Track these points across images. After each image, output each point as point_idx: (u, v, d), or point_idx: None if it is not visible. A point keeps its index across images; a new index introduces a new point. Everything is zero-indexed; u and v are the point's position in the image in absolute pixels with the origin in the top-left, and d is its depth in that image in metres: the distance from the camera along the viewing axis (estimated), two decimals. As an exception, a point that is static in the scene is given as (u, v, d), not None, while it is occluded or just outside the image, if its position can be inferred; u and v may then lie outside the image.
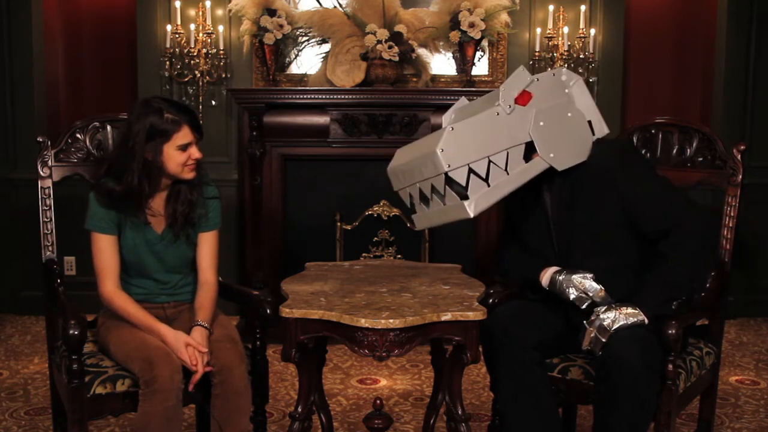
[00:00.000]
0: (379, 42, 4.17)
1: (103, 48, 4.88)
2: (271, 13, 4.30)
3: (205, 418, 2.48)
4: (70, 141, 2.66)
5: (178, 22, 4.43)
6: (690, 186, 2.64)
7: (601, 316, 2.19)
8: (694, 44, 4.94)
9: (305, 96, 4.24)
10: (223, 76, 4.50)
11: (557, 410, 2.39)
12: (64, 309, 2.32)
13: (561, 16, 4.50)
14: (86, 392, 2.22)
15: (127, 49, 4.77)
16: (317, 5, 4.48)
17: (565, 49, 4.44)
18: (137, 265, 2.44)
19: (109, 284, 2.38)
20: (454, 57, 4.52)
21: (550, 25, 4.51)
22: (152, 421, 2.17)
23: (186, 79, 4.50)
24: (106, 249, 2.38)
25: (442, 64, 4.52)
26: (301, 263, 2.75)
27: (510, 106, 2.23)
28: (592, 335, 2.19)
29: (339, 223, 4.33)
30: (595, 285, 2.28)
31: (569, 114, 2.34)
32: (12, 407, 3.26)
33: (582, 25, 4.48)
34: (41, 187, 2.64)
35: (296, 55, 4.53)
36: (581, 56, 4.49)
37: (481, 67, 4.53)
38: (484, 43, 4.45)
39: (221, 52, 4.45)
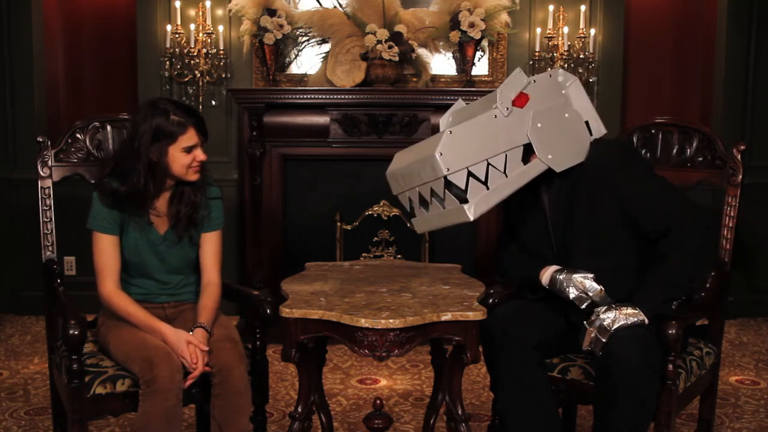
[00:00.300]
0: (379, 42, 4.17)
1: (103, 48, 4.88)
2: (271, 13, 4.30)
3: (205, 418, 2.47)
4: (70, 141, 2.66)
5: (178, 22, 4.43)
6: (690, 186, 2.64)
7: (601, 316, 2.19)
8: (694, 44, 4.94)
9: (305, 96, 4.24)
10: (223, 76, 4.50)
11: (557, 410, 2.39)
12: (64, 309, 2.32)
13: (561, 16, 4.50)
14: (86, 392, 2.22)
15: (127, 49, 4.77)
16: (317, 5, 4.48)
17: (565, 49, 4.44)
18: (138, 266, 2.44)
19: (109, 284, 2.38)
20: (454, 57, 4.52)
21: (550, 25, 4.51)
22: (152, 421, 2.17)
23: (186, 79, 4.50)
24: (107, 249, 2.38)
25: (442, 64, 4.52)
26: (301, 263, 2.75)
27: (507, 109, 2.24)
28: (593, 335, 2.19)
29: (339, 223, 4.33)
30: (595, 285, 2.28)
31: (566, 115, 2.34)
32: (12, 407, 3.26)
33: (582, 25, 4.48)
34: (41, 187, 2.64)
35: (296, 55, 4.53)
36: (581, 56, 4.49)
37: (481, 67, 4.53)
38: (484, 43, 4.45)
39: (221, 52, 4.45)
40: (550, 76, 2.38)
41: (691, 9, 4.91)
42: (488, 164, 2.19)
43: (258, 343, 2.53)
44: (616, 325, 2.16)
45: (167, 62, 4.51)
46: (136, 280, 2.46)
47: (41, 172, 2.63)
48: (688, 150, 2.64)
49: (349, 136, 4.29)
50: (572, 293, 2.29)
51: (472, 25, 4.26)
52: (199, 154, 2.38)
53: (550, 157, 2.28)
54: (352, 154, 4.36)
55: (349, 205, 4.36)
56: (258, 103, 4.21)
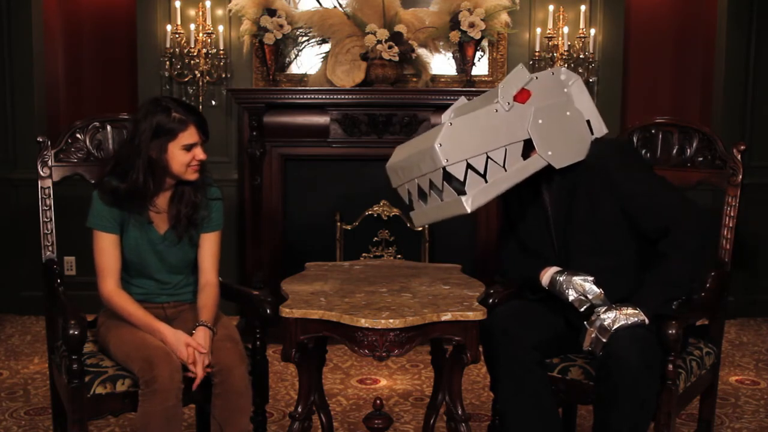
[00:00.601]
0: (379, 42, 4.17)
1: (103, 48, 4.88)
2: (271, 13, 4.30)
3: (205, 418, 2.47)
4: (70, 141, 2.66)
5: (178, 22, 4.43)
6: (690, 186, 2.64)
7: (602, 316, 2.19)
8: (694, 44, 4.94)
9: (305, 96, 4.24)
10: (223, 76, 4.50)
11: (557, 410, 2.39)
12: (64, 309, 2.32)
13: (561, 16, 4.50)
14: (86, 392, 2.22)
15: (127, 49, 4.77)
16: (317, 5, 4.48)
17: (565, 49, 4.44)
18: (138, 265, 2.44)
19: (110, 283, 2.38)
20: (454, 57, 4.52)
21: (550, 25, 4.51)
22: (152, 421, 2.17)
23: (186, 79, 4.50)
24: (107, 248, 2.38)
25: (442, 64, 4.53)
26: (301, 263, 2.75)
27: (509, 104, 2.24)
28: (593, 336, 2.19)
29: (339, 223, 4.33)
30: (595, 288, 2.27)
31: (568, 113, 2.34)
32: (12, 407, 3.26)
33: (582, 25, 4.48)
34: (41, 187, 2.64)
35: (296, 55, 4.53)
36: (581, 56, 4.49)
37: (481, 67, 4.53)
38: (484, 43, 4.45)
39: (221, 52, 4.46)
40: (553, 73, 2.38)
41: (691, 9, 4.92)
42: (487, 157, 2.19)
43: (258, 343, 2.53)
44: (616, 325, 2.16)
45: (167, 62, 4.51)
46: (136, 279, 2.47)
47: (41, 172, 2.63)
48: (688, 150, 2.64)
49: (349, 136, 4.29)
50: (571, 295, 2.29)
51: (472, 25, 4.26)
52: (199, 153, 2.38)
53: (550, 153, 2.28)
54: (352, 154, 4.36)
55: (349, 205, 4.36)
56: (258, 103, 4.21)
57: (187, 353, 2.24)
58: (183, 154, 2.35)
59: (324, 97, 4.23)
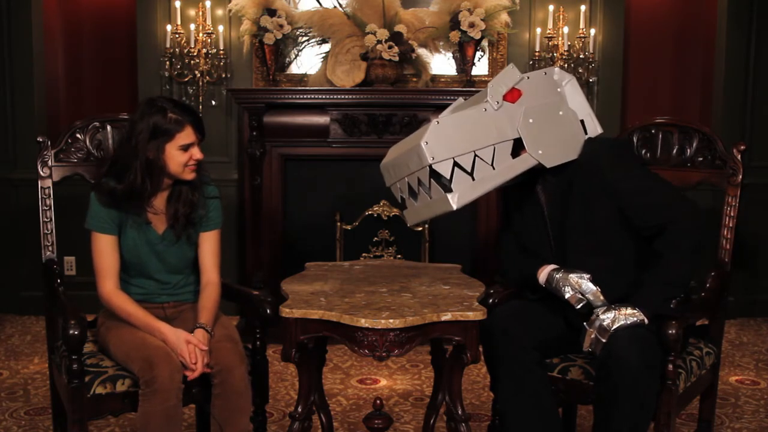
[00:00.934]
0: (379, 42, 4.17)
1: (103, 48, 4.88)
2: (271, 13, 4.30)
3: (205, 418, 2.47)
4: (70, 141, 2.66)
5: (178, 22, 4.43)
6: (690, 186, 2.64)
7: (601, 316, 2.19)
8: (694, 44, 4.94)
9: (305, 96, 4.24)
10: (223, 76, 4.50)
11: (557, 410, 2.39)
12: (64, 309, 2.32)
13: (561, 16, 4.50)
14: (86, 392, 2.22)
15: (127, 49, 4.77)
16: (317, 5, 4.48)
17: (565, 49, 4.44)
18: (138, 266, 2.44)
19: (109, 284, 2.38)
20: (454, 57, 4.52)
21: (550, 25, 4.51)
22: (152, 421, 2.17)
23: (186, 79, 4.50)
24: (105, 249, 2.38)
25: (442, 64, 4.53)
26: (301, 263, 2.75)
27: (498, 103, 2.25)
28: (592, 336, 2.19)
29: (339, 223, 4.33)
30: (591, 286, 2.27)
31: (560, 112, 2.35)
32: (12, 407, 3.26)
33: (582, 25, 4.48)
34: (41, 187, 2.64)
35: (296, 55, 4.53)
36: (581, 56, 4.49)
37: (481, 67, 4.53)
38: (484, 43, 4.45)
39: (221, 52, 4.46)
40: (546, 73, 2.39)
41: (691, 9, 4.92)
42: (475, 155, 2.20)
43: (258, 343, 2.53)
44: (615, 326, 2.16)
45: (167, 62, 4.51)
46: (136, 280, 2.46)
47: (41, 172, 2.63)
48: (688, 150, 2.64)
49: (349, 136, 4.29)
50: (567, 293, 2.29)
51: (472, 25, 4.26)
52: (196, 153, 2.38)
53: (540, 152, 2.28)
54: (352, 154, 4.36)
55: (349, 205, 4.37)
56: (258, 103, 4.21)
57: (188, 351, 2.24)
58: (180, 154, 2.35)
59: (324, 97, 4.23)
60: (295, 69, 4.54)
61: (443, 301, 2.22)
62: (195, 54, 4.43)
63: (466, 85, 4.40)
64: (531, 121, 2.27)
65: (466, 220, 4.30)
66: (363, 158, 4.32)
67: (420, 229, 4.26)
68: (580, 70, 4.49)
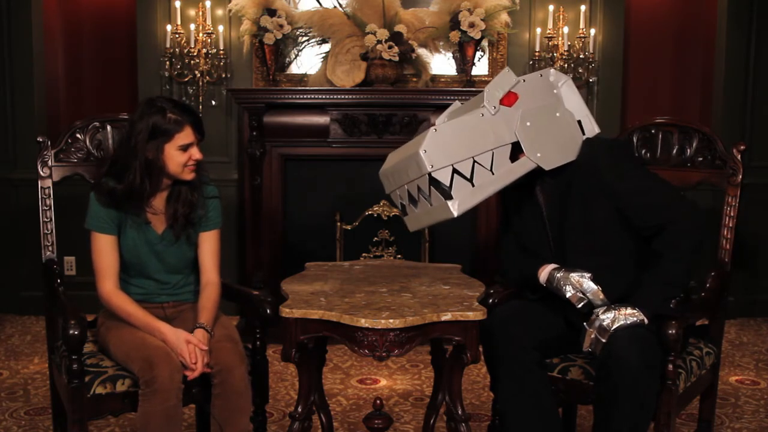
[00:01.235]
0: (379, 42, 4.17)
1: (103, 48, 4.88)
2: (271, 13, 4.30)
3: (205, 418, 2.47)
4: (70, 141, 2.66)
5: (178, 22, 4.43)
6: (690, 186, 2.64)
7: (601, 316, 2.19)
8: (694, 44, 4.94)
9: (305, 96, 4.24)
10: (223, 76, 4.50)
11: (557, 410, 2.39)
12: (64, 309, 2.32)
13: (561, 16, 4.50)
14: (86, 392, 2.22)
15: (127, 49, 4.77)
16: (317, 5, 4.48)
17: (565, 49, 4.44)
18: (137, 266, 2.44)
19: (108, 284, 2.38)
20: (454, 57, 4.52)
21: (550, 25, 4.51)
22: (152, 421, 2.17)
23: (186, 79, 4.50)
24: (105, 249, 2.38)
25: (442, 64, 4.52)
26: (301, 263, 2.75)
27: (495, 107, 2.25)
28: (592, 336, 2.19)
29: (339, 223, 4.33)
30: (592, 285, 2.27)
31: (557, 114, 2.35)
32: (12, 407, 3.26)
33: (582, 25, 4.48)
34: (41, 187, 2.64)
35: (296, 55, 4.53)
36: (581, 56, 4.49)
37: (481, 67, 4.53)
38: (484, 43, 4.45)
39: (221, 52, 4.45)
40: (541, 75, 2.39)
41: (691, 9, 4.92)
42: (474, 162, 2.20)
43: (258, 343, 2.53)
44: (615, 326, 2.16)
45: (167, 62, 4.51)
46: (136, 280, 2.47)
47: (41, 172, 2.63)
48: (688, 150, 2.64)
49: (349, 136, 4.29)
50: (568, 292, 2.29)
51: (472, 25, 4.26)
52: (195, 153, 2.38)
53: (539, 155, 2.28)
54: (352, 154, 4.36)
55: (349, 205, 4.37)
56: (258, 103, 4.21)
57: (188, 350, 2.24)
58: (179, 154, 2.35)
59: (324, 97, 4.23)
60: (295, 69, 4.54)
61: (443, 301, 2.22)
62: (195, 54, 4.43)
63: (466, 85, 4.40)
64: (528, 124, 2.27)
65: (466, 221, 4.29)
66: (363, 158, 4.32)
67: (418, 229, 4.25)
68: (580, 70, 4.49)
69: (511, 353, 2.29)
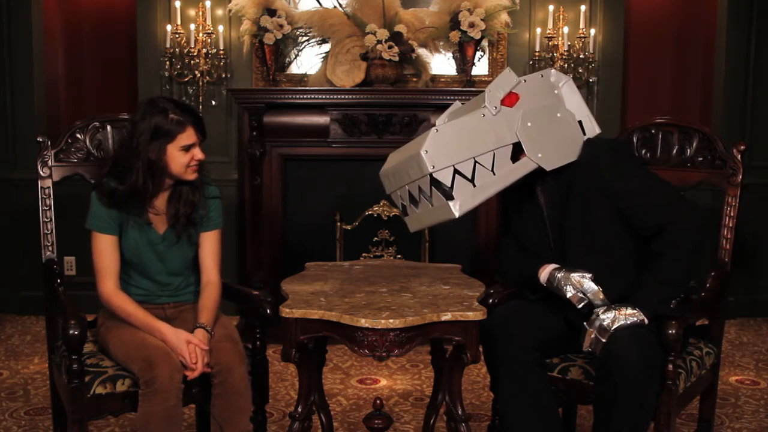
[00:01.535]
0: (379, 42, 4.17)
1: (103, 48, 4.88)
2: (271, 13, 4.30)
3: (205, 418, 2.47)
4: (70, 141, 2.66)
5: (178, 22, 4.43)
6: (690, 186, 2.64)
7: (601, 316, 2.19)
8: (694, 44, 4.94)
9: (305, 96, 4.24)
10: (223, 76, 4.50)
11: (557, 410, 2.39)
12: (64, 309, 2.32)
13: (561, 16, 4.50)
14: (86, 392, 2.22)
15: (127, 49, 4.77)
16: (317, 5, 4.48)
17: (565, 49, 4.44)
18: (138, 266, 2.44)
19: (109, 284, 2.38)
20: (454, 57, 4.52)
21: (550, 25, 4.51)
22: (152, 421, 2.17)
23: (186, 79, 4.50)
24: (106, 249, 2.38)
25: (442, 64, 4.52)
26: (301, 263, 2.75)
27: (496, 108, 2.25)
28: (592, 336, 2.19)
29: (339, 223, 4.33)
30: (593, 285, 2.27)
31: (558, 114, 2.35)
32: (12, 407, 3.26)
33: (582, 25, 4.48)
34: (41, 187, 2.64)
35: (296, 55, 4.53)
36: (581, 56, 4.49)
37: (481, 67, 4.53)
38: (484, 43, 4.45)
39: (221, 52, 4.46)
40: (542, 76, 2.39)
41: (691, 9, 4.92)
42: (475, 162, 2.20)
43: (258, 343, 2.53)
44: (615, 325, 2.16)
45: (167, 62, 4.51)
46: (137, 280, 2.46)
47: (41, 172, 2.63)
48: (688, 150, 2.64)
49: (349, 136, 4.29)
50: (569, 292, 2.29)
51: (472, 25, 4.26)
52: (198, 153, 2.38)
53: (540, 155, 2.28)
54: (352, 154, 4.36)
55: (349, 205, 4.37)
56: (258, 103, 4.21)
57: (188, 350, 2.24)
58: (182, 155, 2.35)
59: (324, 97, 4.23)
60: (295, 69, 4.54)
61: (443, 301, 2.22)
62: (195, 54, 4.43)
63: (466, 85, 4.40)
64: (529, 124, 2.27)
65: (467, 221, 4.29)
66: (363, 158, 4.32)
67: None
68: (580, 70, 4.49)
69: (511, 353, 2.29)
